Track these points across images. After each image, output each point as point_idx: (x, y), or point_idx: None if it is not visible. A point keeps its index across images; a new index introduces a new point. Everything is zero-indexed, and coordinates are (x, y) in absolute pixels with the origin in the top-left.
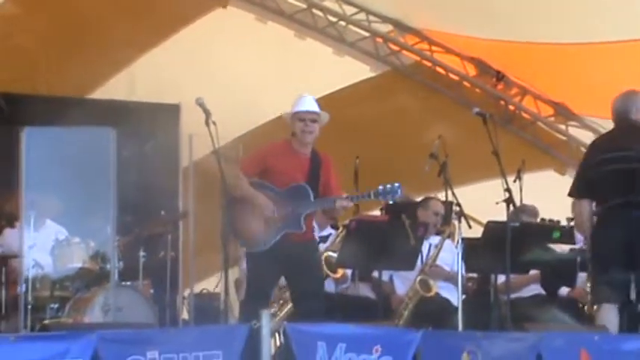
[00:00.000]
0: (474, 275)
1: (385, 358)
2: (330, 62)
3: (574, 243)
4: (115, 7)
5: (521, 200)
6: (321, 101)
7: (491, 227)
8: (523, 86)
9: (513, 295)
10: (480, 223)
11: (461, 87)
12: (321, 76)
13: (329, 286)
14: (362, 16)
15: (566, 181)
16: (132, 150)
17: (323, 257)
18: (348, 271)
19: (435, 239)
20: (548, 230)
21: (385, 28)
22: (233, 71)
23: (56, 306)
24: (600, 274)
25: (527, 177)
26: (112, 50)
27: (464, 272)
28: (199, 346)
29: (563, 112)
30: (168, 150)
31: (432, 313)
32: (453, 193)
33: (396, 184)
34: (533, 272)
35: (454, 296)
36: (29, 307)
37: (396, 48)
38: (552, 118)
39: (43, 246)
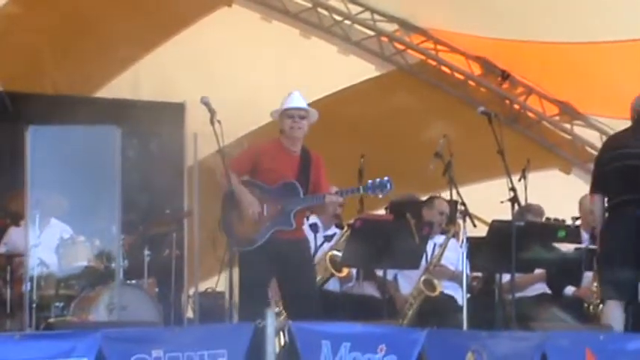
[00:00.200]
0: (479, 274)
1: (390, 357)
2: (335, 61)
3: (580, 242)
4: (120, 5)
5: (526, 199)
6: (326, 100)
7: (496, 226)
8: (528, 85)
9: (518, 295)
10: (484, 222)
11: (466, 86)
12: (326, 75)
13: (334, 285)
14: (367, 15)
15: (572, 180)
16: (137, 149)
17: (328, 256)
18: (353, 270)
19: (439, 238)
20: (554, 229)
21: (390, 27)
22: (238, 70)
23: (61, 304)
24: (606, 271)
25: (532, 176)
26: (116, 49)
27: (469, 271)
28: (204, 345)
29: (569, 112)
30: (173, 149)
31: (436, 312)
32: (458, 193)
33: (385, 178)
34: (538, 271)
35: (459, 295)
36: (34, 305)
37: (401, 47)
38: (557, 118)
39: (48, 245)
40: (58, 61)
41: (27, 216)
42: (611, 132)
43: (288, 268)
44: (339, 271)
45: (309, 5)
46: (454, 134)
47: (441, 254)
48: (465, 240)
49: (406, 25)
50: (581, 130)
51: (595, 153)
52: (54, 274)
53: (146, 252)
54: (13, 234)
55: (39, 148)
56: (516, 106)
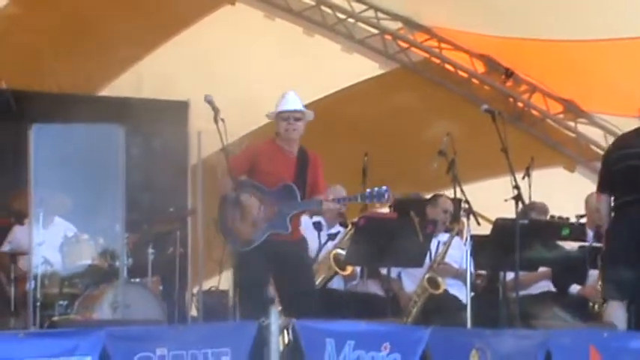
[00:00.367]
0: (483, 272)
1: (394, 356)
2: (339, 59)
3: (584, 240)
4: (123, 4)
5: (530, 197)
6: (329, 98)
7: (500, 224)
8: (532, 83)
9: (522, 293)
10: (488, 220)
11: (470, 84)
12: (330, 73)
13: (338, 284)
14: (371, 13)
15: (575, 178)
16: (140, 147)
17: (332, 255)
18: (357, 269)
19: (443, 237)
20: (558, 227)
21: (394, 25)
22: (241, 68)
23: (65, 303)
24: (608, 270)
25: (536, 174)
26: (120, 47)
27: (473, 269)
28: (208, 343)
29: (573, 109)
30: (177, 147)
31: (440, 310)
32: (462, 191)
33: (384, 188)
34: (542, 269)
35: (463, 293)
36: (38, 304)
37: (404, 45)
38: (561, 116)
39: (52, 243)
40: (61, 59)
41: (31, 214)
42: (616, 130)
43: (285, 268)
44: (343, 269)
45: (313, 3)
46: (458, 132)
47: (445, 252)
48: (469, 238)
49: (410, 23)
50: (585, 128)
51: (599, 151)
52: (58, 273)
53: (150, 250)
54: (17, 232)
55: (42, 147)
56: (520, 104)
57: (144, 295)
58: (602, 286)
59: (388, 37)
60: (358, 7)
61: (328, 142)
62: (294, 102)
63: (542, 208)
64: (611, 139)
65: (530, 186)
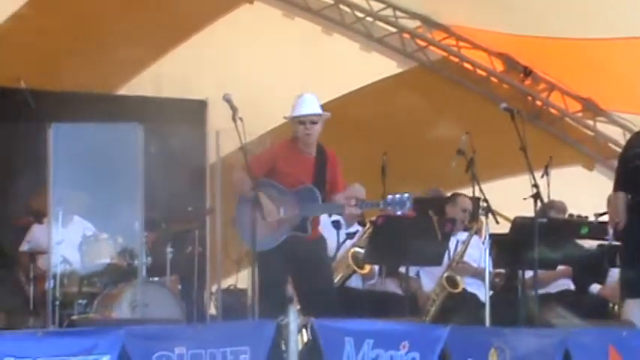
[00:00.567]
0: (502, 271)
1: (413, 354)
2: (357, 58)
3: (604, 238)
4: (141, 4)
5: (548, 196)
6: (347, 97)
7: (518, 223)
8: (551, 82)
9: (541, 291)
10: (507, 219)
11: (488, 83)
12: (348, 72)
13: (356, 282)
14: (389, 12)
15: (594, 176)
16: (159, 146)
17: (350, 253)
18: (375, 267)
19: (462, 235)
20: (577, 226)
21: (412, 23)
22: (260, 67)
23: (84, 302)
24: (625, 269)
25: (554, 173)
26: (139, 46)
27: (491, 268)
28: (227, 342)
29: (591, 108)
30: (195, 146)
31: (459, 308)
32: (481, 189)
33: (406, 195)
34: (560, 268)
35: (481, 292)
36: (57, 303)
37: (423, 44)
38: (580, 114)
39: (71, 242)
40: (79, 59)
41: (50, 214)
42: (635, 128)
43: (303, 267)
44: (362, 268)
45: (331, 2)
46: (476, 131)
47: (464, 251)
48: (487, 237)
49: (428, 22)
50: (603, 127)
51: (618, 149)
52: (77, 272)
53: (169, 249)
54: (36, 232)
55: (61, 146)
56: (539, 103)
57: (163, 294)
58: (620, 284)
59: (406, 35)
60: (377, 6)
61: (346, 141)
62: (310, 104)
63: (561, 207)
64: None
65: (548, 184)
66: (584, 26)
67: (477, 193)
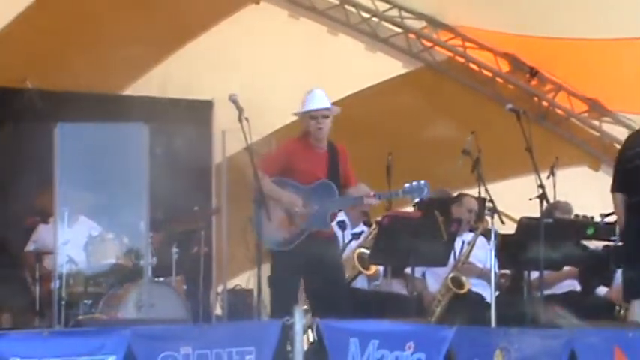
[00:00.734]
0: (507, 272)
1: (418, 355)
2: (363, 58)
3: (609, 239)
4: (147, 4)
5: (554, 197)
6: (353, 97)
7: (524, 223)
8: (557, 82)
9: (547, 292)
10: (513, 219)
11: (494, 83)
12: (354, 72)
13: (362, 283)
14: (395, 12)
15: (600, 177)
16: (164, 146)
17: (355, 254)
18: (381, 268)
19: (468, 236)
20: (582, 226)
21: (418, 24)
22: (266, 67)
23: (90, 302)
24: (627, 270)
25: (560, 173)
26: (144, 46)
27: (497, 269)
28: (232, 342)
29: (597, 109)
30: (201, 146)
31: (465, 309)
32: (486, 190)
33: (422, 182)
34: (566, 268)
35: (487, 293)
36: (63, 302)
37: (428, 44)
38: (586, 115)
39: (77, 242)
40: (85, 59)
41: (56, 213)
42: None
43: (317, 267)
44: (367, 268)
45: (337, 2)
46: (482, 131)
47: (470, 251)
48: (493, 237)
49: (434, 22)
50: (609, 127)
51: None
52: (83, 272)
53: (174, 249)
54: (42, 231)
55: (67, 146)
56: (545, 103)
57: (168, 294)
58: (622, 286)
59: (412, 36)
60: (382, 6)
61: (351, 141)
62: (320, 99)
63: (566, 208)
64: None
65: (554, 185)
66: (591, 27)
67: (483, 194)
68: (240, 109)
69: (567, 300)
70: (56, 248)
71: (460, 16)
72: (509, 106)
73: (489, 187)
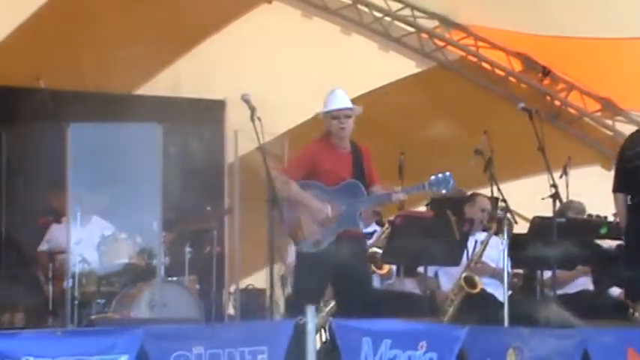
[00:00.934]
0: (520, 271)
1: (431, 354)
2: (376, 58)
3: (623, 239)
4: (160, 3)
5: (567, 196)
6: (365, 97)
7: (537, 223)
8: (569, 81)
9: (560, 292)
10: (526, 219)
11: (507, 82)
12: (366, 71)
13: (374, 282)
14: (407, 11)
15: (613, 176)
16: (177, 146)
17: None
18: (393, 267)
19: (480, 235)
20: (595, 226)
21: (431, 23)
22: (278, 67)
23: (103, 301)
24: (629, 271)
25: (573, 173)
26: (157, 46)
27: (510, 268)
28: (245, 342)
29: (610, 108)
30: (214, 146)
31: (477, 308)
32: (499, 189)
33: (447, 174)
34: (578, 268)
35: (500, 292)
36: (76, 302)
37: (441, 44)
38: (599, 114)
39: (90, 241)
40: (97, 59)
41: (68, 213)
42: None
43: (346, 267)
44: (380, 268)
45: (350, 2)
46: (495, 131)
47: (482, 251)
48: (506, 237)
49: (446, 22)
50: (622, 126)
51: None
52: (95, 271)
53: (187, 249)
54: (55, 231)
55: (80, 146)
56: (557, 103)
57: (181, 294)
58: (625, 286)
59: (425, 35)
60: (395, 6)
61: (364, 141)
62: (342, 99)
63: (579, 208)
64: None
65: (567, 184)
66: (603, 26)
67: (496, 193)
68: (252, 109)
69: (580, 300)
70: (69, 248)
71: (472, 15)
72: (522, 105)
73: (502, 186)
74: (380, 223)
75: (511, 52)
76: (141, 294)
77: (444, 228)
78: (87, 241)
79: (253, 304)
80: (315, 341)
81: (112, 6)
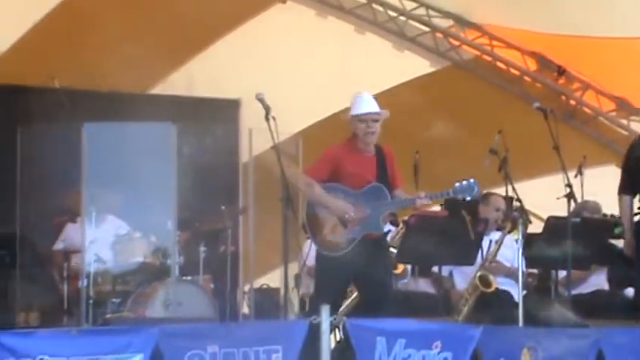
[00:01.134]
0: (535, 271)
1: (445, 354)
2: (390, 57)
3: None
4: (175, 3)
5: (582, 196)
6: (380, 96)
7: (552, 223)
8: (584, 81)
9: (574, 291)
10: (540, 218)
11: (522, 82)
12: (381, 71)
13: None
14: (422, 11)
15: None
16: (192, 145)
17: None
18: (408, 267)
19: (495, 235)
20: (610, 226)
21: (445, 23)
22: (293, 66)
23: (118, 300)
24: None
25: (588, 172)
26: (171, 46)
27: (524, 268)
28: (259, 341)
29: (625, 107)
30: (228, 145)
31: (492, 308)
32: (514, 189)
33: (472, 181)
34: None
35: (515, 292)
36: (91, 301)
37: (456, 43)
38: (614, 113)
39: (105, 241)
40: (113, 59)
41: (83, 212)
42: None
43: (367, 270)
44: (395, 267)
45: (364, 1)
46: (509, 130)
47: (497, 250)
48: (521, 236)
49: (461, 21)
50: (638, 126)
51: None
52: (110, 270)
53: (202, 248)
54: (70, 230)
55: (95, 145)
56: (572, 102)
57: (196, 293)
58: (635, 289)
59: (439, 34)
60: (409, 5)
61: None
62: (369, 104)
63: (595, 208)
64: None
65: (582, 184)
66: (618, 25)
67: (510, 193)
68: (267, 108)
69: (595, 299)
70: (84, 247)
71: (487, 14)
72: (537, 104)
73: (517, 186)
74: (394, 223)
75: (526, 51)
76: (156, 293)
77: (458, 227)
78: (102, 240)
79: (268, 303)
80: (329, 341)
81: (126, 6)
